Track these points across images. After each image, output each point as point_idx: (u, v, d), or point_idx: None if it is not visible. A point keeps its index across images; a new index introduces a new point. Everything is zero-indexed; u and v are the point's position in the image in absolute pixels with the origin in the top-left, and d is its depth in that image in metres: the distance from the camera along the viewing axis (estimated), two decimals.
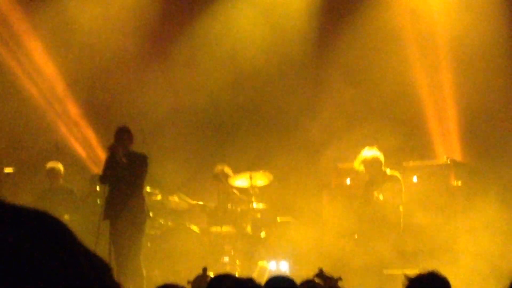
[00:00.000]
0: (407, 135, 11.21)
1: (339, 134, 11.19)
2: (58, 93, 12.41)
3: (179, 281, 4.83)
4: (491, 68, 11.22)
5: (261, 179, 10.54)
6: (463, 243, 9.67)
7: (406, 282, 3.89)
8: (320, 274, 4.94)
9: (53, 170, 11.03)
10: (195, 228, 10.75)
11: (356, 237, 10.02)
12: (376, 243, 9.65)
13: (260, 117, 12.56)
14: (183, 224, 10.79)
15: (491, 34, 11.13)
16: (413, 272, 4.02)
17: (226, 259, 10.35)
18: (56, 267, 1.33)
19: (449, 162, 10.35)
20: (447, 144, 11.38)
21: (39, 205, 10.33)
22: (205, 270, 6.52)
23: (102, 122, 12.12)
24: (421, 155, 10.99)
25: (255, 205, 10.47)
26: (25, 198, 10.37)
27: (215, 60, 12.56)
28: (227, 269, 9.75)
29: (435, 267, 4.01)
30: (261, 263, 10.33)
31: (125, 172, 9.09)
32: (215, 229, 10.60)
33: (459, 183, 10.17)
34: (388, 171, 10.03)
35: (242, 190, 10.75)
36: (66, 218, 10.28)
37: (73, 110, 12.47)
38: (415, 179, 10.29)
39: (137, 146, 9.46)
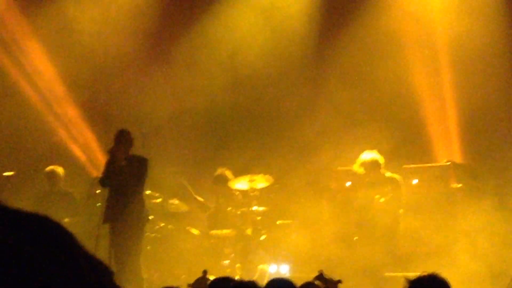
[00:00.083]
0: (407, 138, 11.21)
1: (339, 137, 11.19)
2: (58, 96, 12.41)
3: (179, 284, 4.84)
4: (490, 69, 11.23)
5: (261, 182, 10.54)
6: (464, 245, 9.67)
7: (407, 284, 3.89)
8: (320, 276, 4.93)
9: (53, 174, 11.03)
10: (195, 231, 10.74)
11: (356, 239, 10.02)
12: (376, 245, 9.65)
13: (260, 119, 12.57)
14: (183, 227, 10.79)
15: (490, 36, 11.14)
16: (413, 274, 4.02)
17: (226, 262, 10.35)
18: (57, 269, 1.33)
19: (449, 164, 10.35)
20: (447, 146, 11.38)
21: (39, 208, 10.37)
22: (205, 273, 6.52)
23: (102, 125, 12.12)
24: (421, 158, 10.99)
25: (255, 208, 10.46)
26: (25, 201, 10.35)
27: (215, 63, 12.56)
28: (227, 272, 9.75)
29: (435, 269, 4.01)
30: (261, 266, 10.32)
31: (125, 175, 9.09)
32: (215, 232, 10.59)
33: (459, 185, 10.17)
34: (388, 174, 10.04)
35: (242, 193, 10.75)
36: (66, 221, 10.27)
37: (73, 113, 12.47)
38: (415, 181, 10.29)
39: (137, 149, 9.45)
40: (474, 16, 11.14)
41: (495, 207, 9.61)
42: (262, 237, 10.50)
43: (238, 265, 10.24)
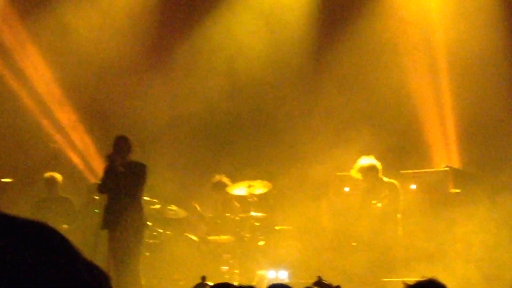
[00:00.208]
0: (406, 143, 11.22)
1: (337, 143, 11.19)
2: (56, 102, 12.41)
3: None
4: (487, 73, 11.24)
5: (259, 187, 10.54)
6: (462, 250, 9.67)
7: None
8: (319, 282, 4.93)
9: (51, 180, 11.03)
10: (193, 237, 10.74)
11: (354, 244, 10.01)
12: (374, 251, 9.65)
13: (258, 125, 12.57)
14: (181, 233, 10.78)
15: (487, 40, 11.16)
16: (411, 279, 4.02)
17: (225, 268, 10.34)
18: (54, 275, 1.33)
19: (447, 170, 10.36)
20: (445, 152, 11.39)
21: (37, 215, 10.37)
22: (203, 279, 6.51)
23: (100, 131, 12.12)
24: (419, 163, 10.99)
25: (253, 213, 10.46)
26: (23, 208, 10.35)
27: (213, 69, 12.58)
28: (226, 278, 9.74)
29: (434, 275, 4.01)
30: (260, 272, 10.31)
31: (124, 181, 9.08)
32: (213, 238, 10.59)
33: (458, 190, 10.18)
34: (386, 179, 10.05)
35: (240, 198, 10.76)
36: (64, 227, 10.27)
37: (71, 119, 12.46)
38: (413, 187, 10.30)
39: (135, 155, 9.45)
40: (471, 21, 11.16)
41: (493, 213, 9.61)
42: (261, 243, 10.50)
43: (236, 271, 10.23)
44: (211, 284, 6.58)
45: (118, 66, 12.34)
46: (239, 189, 10.58)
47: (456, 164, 11.04)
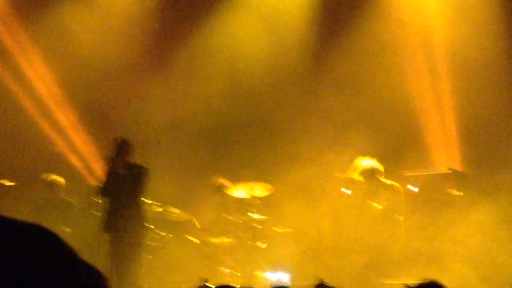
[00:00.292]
0: (407, 145, 11.21)
1: (337, 144, 11.18)
2: (56, 104, 12.40)
3: None
4: (488, 75, 11.24)
5: (261, 190, 10.54)
6: (464, 252, 9.65)
7: None
8: (321, 285, 4.92)
9: (53, 183, 11.02)
10: (195, 239, 10.73)
11: (354, 246, 10.00)
12: (375, 253, 9.64)
13: (258, 127, 12.56)
14: (183, 236, 10.77)
15: (487, 42, 11.16)
16: (413, 282, 4.01)
17: (226, 270, 10.33)
18: (52, 277, 1.33)
19: (449, 172, 10.34)
20: (447, 154, 11.37)
21: (38, 218, 10.35)
22: (205, 281, 6.51)
23: (101, 134, 12.11)
24: (421, 165, 10.98)
25: (255, 216, 10.45)
26: (24, 211, 10.35)
27: (214, 71, 12.58)
28: (228, 281, 9.73)
29: (436, 277, 4.00)
30: (262, 275, 10.30)
31: (125, 184, 9.08)
32: (215, 240, 10.58)
33: (459, 192, 10.16)
34: (388, 181, 10.04)
35: (242, 201, 10.75)
36: (66, 230, 10.26)
37: (72, 121, 12.46)
38: (415, 188, 10.29)
39: (137, 158, 9.45)
40: (470, 23, 11.16)
41: (496, 215, 9.59)
42: (263, 246, 10.49)
43: (238, 273, 10.23)
44: (213, 286, 6.58)
45: (118, 68, 12.34)
46: (241, 192, 10.57)
47: (458, 166, 11.02)
